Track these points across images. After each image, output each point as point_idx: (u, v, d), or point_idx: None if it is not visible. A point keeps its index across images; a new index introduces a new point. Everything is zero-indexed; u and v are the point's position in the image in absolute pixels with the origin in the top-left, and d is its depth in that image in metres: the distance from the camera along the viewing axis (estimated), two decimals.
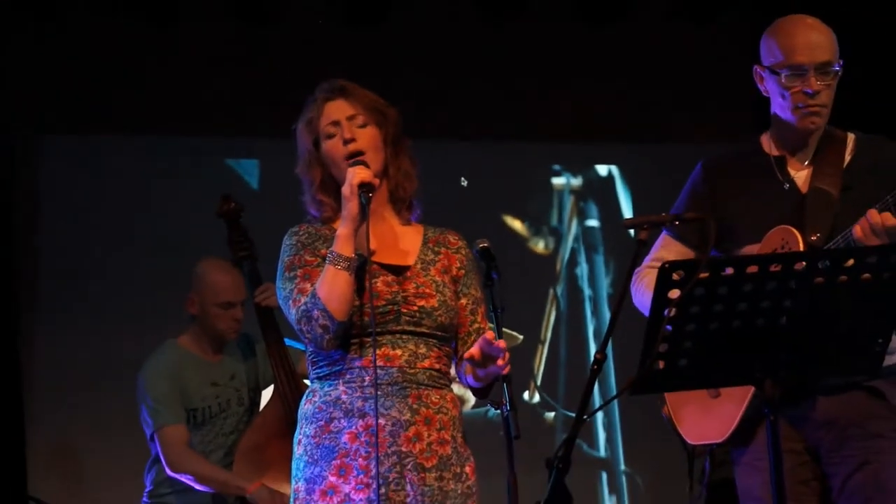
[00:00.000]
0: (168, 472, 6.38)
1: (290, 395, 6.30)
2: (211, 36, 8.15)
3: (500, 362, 4.43)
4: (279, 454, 6.17)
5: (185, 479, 6.35)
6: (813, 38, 4.78)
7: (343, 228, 4.53)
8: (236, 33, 8.12)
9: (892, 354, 4.59)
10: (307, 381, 6.26)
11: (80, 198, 8.25)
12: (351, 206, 4.53)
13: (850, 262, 4.00)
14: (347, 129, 4.66)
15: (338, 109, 4.72)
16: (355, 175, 4.54)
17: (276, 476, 6.25)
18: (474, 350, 4.48)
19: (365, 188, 4.55)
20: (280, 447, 6.18)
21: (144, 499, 6.55)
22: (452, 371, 4.79)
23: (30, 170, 8.23)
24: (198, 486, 6.35)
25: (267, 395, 6.59)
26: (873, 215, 4.47)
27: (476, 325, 4.80)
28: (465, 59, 8.31)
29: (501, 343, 4.44)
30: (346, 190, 4.54)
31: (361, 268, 4.57)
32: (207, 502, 6.44)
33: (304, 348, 6.27)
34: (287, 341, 6.45)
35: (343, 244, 4.51)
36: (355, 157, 4.63)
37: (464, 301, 4.79)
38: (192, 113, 8.15)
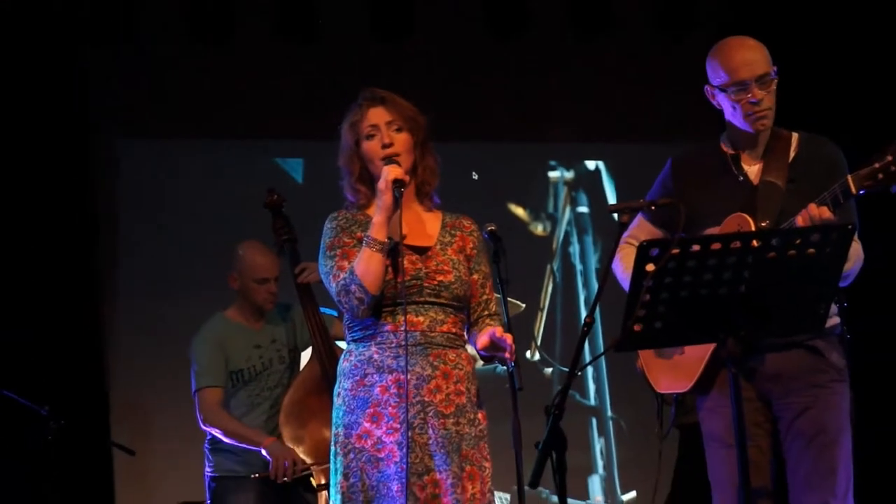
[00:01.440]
0: (202, 425, 6.42)
1: (325, 355, 6.31)
2: (262, 54, 8.16)
3: (507, 355, 4.57)
4: (318, 406, 6.18)
5: (215, 431, 6.39)
6: (749, 56, 4.79)
7: (378, 217, 4.60)
8: (283, 51, 8.12)
9: (831, 317, 4.65)
10: (340, 343, 6.35)
11: (153, 190, 8.28)
12: (386, 199, 4.60)
13: (798, 240, 4.05)
14: (386, 133, 4.72)
15: (378, 115, 4.77)
16: (390, 172, 4.62)
17: (316, 425, 6.24)
18: (484, 340, 4.58)
19: (398, 184, 4.61)
20: (319, 400, 6.21)
21: (206, 445, 6.53)
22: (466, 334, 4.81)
23: (112, 167, 8.25)
24: (225, 440, 6.37)
25: (305, 356, 6.58)
26: (812, 208, 4.49)
27: (485, 297, 4.86)
28: (476, 71, 8.32)
29: (508, 338, 4.54)
30: (381, 184, 4.61)
31: (393, 249, 4.63)
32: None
33: (336, 314, 6.34)
34: (322, 309, 6.47)
35: (378, 230, 4.58)
36: (390, 157, 4.69)
37: (475, 276, 4.83)
38: (247, 119, 8.15)
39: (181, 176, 8.26)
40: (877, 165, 4.44)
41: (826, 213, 4.47)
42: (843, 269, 4.28)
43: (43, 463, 6.55)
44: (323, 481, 6.20)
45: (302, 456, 6.19)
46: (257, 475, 6.36)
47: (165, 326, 7.80)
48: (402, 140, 4.73)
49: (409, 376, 4.61)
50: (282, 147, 8.22)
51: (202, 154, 8.26)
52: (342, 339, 6.42)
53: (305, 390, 6.28)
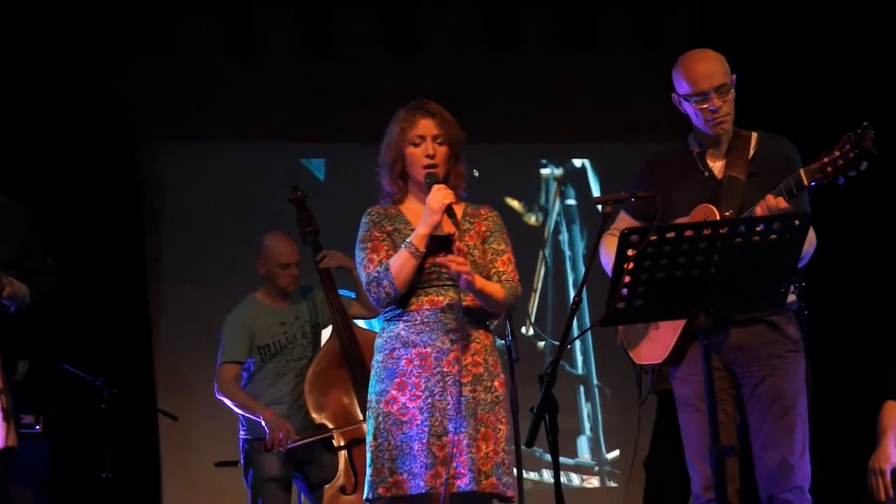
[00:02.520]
0: (216, 394, 6.44)
1: (343, 332, 6.36)
2: (288, 67, 8.17)
3: (451, 269, 4.60)
4: (337, 376, 6.27)
5: (226, 401, 6.41)
6: (708, 68, 4.81)
7: (423, 230, 4.66)
8: (306, 65, 8.13)
9: (789, 295, 4.66)
10: (356, 322, 6.36)
11: (193, 187, 8.31)
12: (434, 218, 4.66)
13: (761, 227, 4.08)
14: (431, 145, 4.78)
15: (427, 127, 4.81)
16: (446, 197, 4.67)
17: (336, 393, 6.29)
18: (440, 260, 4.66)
19: (450, 212, 4.67)
20: (338, 371, 6.29)
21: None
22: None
23: (158, 168, 8.27)
24: (235, 410, 6.40)
25: (326, 334, 6.61)
26: (770, 199, 4.51)
27: (495, 269, 4.85)
28: (475, 81, 8.31)
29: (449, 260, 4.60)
30: (435, 205, 4.67)
31: (440, 241, 4.71)
32: (283, 413, 6.38)
33: (353, 296, 6.35)
34: (340, 291, 6.51)
35: (419, 240, 4.65)
36: (430, 168, 4.75)
37: (489, 254, 4.84)
38: (275, 124, 8.18)
39: (217, 175, 8.27)
40: (826, 160, 4.45)
41: (782, 202, 4.49)
42: (801, 252, 4.32)
43: (98, 427, 6.57)
44: (342, 443, 6.24)
45: (322, 421, 6.22)
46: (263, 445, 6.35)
47: (204, 307, 7.80)
48: (442, 153, 4.79)
49: (430, 350, 4.68)
50: (305, 149, 8.23)
51: (236, 155, 8.27)
52: (359, 318, 6.50)
53: (327, 362, 6.31)
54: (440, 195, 4.66)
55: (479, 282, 4.66)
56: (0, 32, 7.25)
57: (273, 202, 7.65)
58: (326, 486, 6.22)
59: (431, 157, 4.75)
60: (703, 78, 4.79)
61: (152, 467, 7.80)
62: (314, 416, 6.25)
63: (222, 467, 7.01)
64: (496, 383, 4.75)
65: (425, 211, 4.67)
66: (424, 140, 4.77)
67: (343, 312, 6.43)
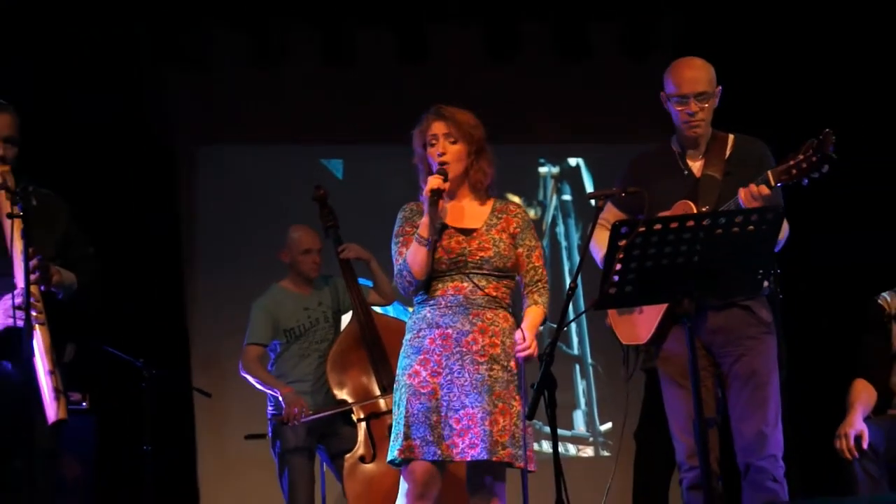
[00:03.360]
0: (241, 372, 6.47)
1: (363, 317, 6.39)
2: (309, 76, 8.18)
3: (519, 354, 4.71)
4: (357, 357, 6.32)
5: (249, 378, 6.43)
6: (694, 75, 4.82)
7: (424, 218, 4.68)
8: (326, 73, 8.14)
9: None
10: (375, 308, 6.37)
11: (225, 185, 8.33)
12: (426, 206, 4.69)
13: (739, 218, 4.09)
14: (442, 144, 4.81)
15: (439, 128, 4.84)
16: (430, 183, 4.69)
17: (356, 372, 6.32)
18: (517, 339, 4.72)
19: (434, 193, 4.67)
20: (357, 352, 6.33)
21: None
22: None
23: (193, 169, 8.29)
24: (257, 386, 6.43)
25: (346, 319, 6.63)
26: (752, 187, 4.52)
27: (531, 265, 4.88)
28: (479, 87, 8.26)
29: (520, 345, 4.69)
30: (424, 194, 4.71)
31: (435, 243, 4.72)
32: (310, 390, 6.44)
33: (371, 285, 6.35)
34: (360, 280, 6.53)
35: (423, 229, 4.67)
36: (441, 166, 4.75)
37: (521, 250, 4.87)
38: (297, 128, 8.19)
39: (245, 174, 8.28)
40: (791, 163, 4.47)
41: (764, 189, 4.51)
42: (776, 242, 4.36)
43: (138, 404, 6.58)
44: (361, 416, 6.26)
45: (343, 397, 6.23)
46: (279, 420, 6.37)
47: (234, 295, 7.80)
48: (453, 150, 4.81)
49: (451, 331, 4.72)
50: (325, 150, 8.24)
51: (262, 156, 8.28)
52: (375, 304, 6.51)
53: (347, 344, 6.32)
54: (428, 185, 4.68)
55: (531, 334, 4.75)
56: (50, 46, 7.24)
57: (296, 199, 7.67)
58: (347, 455, 6.23)
59: (441, 154, 4.78)
60: (687, 82, 4.81)
61: (188, 440, 7.82)
62: (335, 392, 6.27)
63: (251, 440, 7.03)
64: (512, 363, 4.75)
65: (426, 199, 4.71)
66: (437, 139, 4.80)
67: (362, 299, 6.45)
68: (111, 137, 7.54)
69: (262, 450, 6.81)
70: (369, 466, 6.20)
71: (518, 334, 4.72)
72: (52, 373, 4.27)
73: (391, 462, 4.75)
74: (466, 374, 4.67)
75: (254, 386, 6.44)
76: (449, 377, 4.66)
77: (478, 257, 4.75)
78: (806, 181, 4.46)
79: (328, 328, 6.57)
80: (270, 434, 6.52)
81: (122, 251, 7.11)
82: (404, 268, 4.70)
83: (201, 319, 8.10)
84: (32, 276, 4.29)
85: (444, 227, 4.73)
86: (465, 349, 4.68)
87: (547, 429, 4.88)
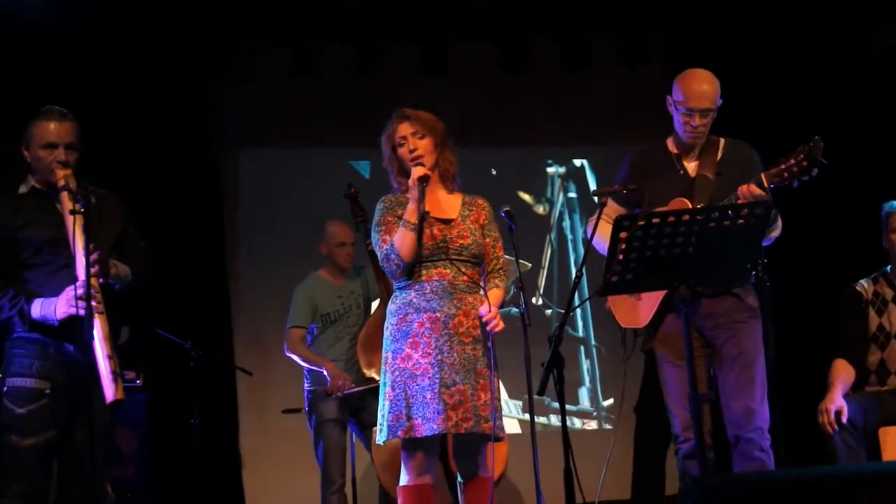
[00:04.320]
0: (285, 352, 6.50)
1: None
2: (341, 86, 8.16)
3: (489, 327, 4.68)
4: (382, 339, 6.26)
5: (294, 357, 6.46)
6: (703, 91, 4.80)
7: (410, 205, 4.63)
8: (355, 84, 8.12)
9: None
10: None
11: (265, 185, 8.29)
12: (414, 193, 4.64)
13: (730, 213, 4.08)
14: (411, 141, 4.77)
15: (405, 128, 4.80)
16: (415, 172, 4.67)
17: (382, 352, 6.30)
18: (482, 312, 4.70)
19: (422, 180, 4.65)
20: (383, 335, 6.29)
21: (306, 368, 6.56)
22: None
23: (237, 170, 8.27)
24: (302, 364, 6.44)
25: (374, 304, 6.62)
26: (746, 187, 4.52)
27: (495, 254, 4.88)
28: (493, 97, 8.30)
29: (486, 316, 4.67)
30: (410, 182, 4.66)
31: (421, 226, 4.67)
32: (344, 368, 6.43)
33: None
34: None
35: (410, 214, 4.62)
36: (417, 160, 4.71)
37: (488, 240, 4.85)
38: (330, 133, 8.17)
39: (283, 174, 8.27)
40: (783, 167, 4.47)
41: (756, 190, 4.50)
42: (764, 235, 4.39)
43: (186, 382, 6.58)
44: None
45: (372, 374, 6.21)
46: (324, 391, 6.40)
47: (273, 282, 7.81)
48: (423, 145, 4.77)
49: (439, 314, 4.69)
50: (354, 153, 8.22)
51: (298, 158, 8.27)
52: None
53: (375, 328, 6.29)
54: (413, 172, 4.67)
55: (495, 308, 4.72)
56: (113, 61, 7.25)
57: (327, 195, 7.69)
58: (374, 427, 6.23)
59: (413, 150, 4.75)
60: (695, 97, 4.80)
61: (231, 414, 7.81)
62: (364, 371, 6.26)
63: (288, 414, 7.03)
64: (489, 343, 4.73)
65: (410, 188, 4.69)
66: (406, 139, 4.77)
67: (389, 287, 6.42)
68: (166, 141, 7.53)
69: (298, 423, 6.81)
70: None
71: (483, 308, 4.70)
72: (110, 357, 4.26)
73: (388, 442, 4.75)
74: (455, 354, 4.65)
75: (298, 364, 6.46)
76: (439, 357, 4.63)
77: (458, 244, 4.73)
78: (796, 183, 4.46)
79: (359, 314, 6.59)
80: (307, 408, 6.53)
81: (173, 245, 7.11)
82: (391, 251, 4.65)
83: (243, 305, 8.07)
84: (92, 270, 4.29)
85: (424, 216, 4.68)
86: (452, 331, 4.66)
87: (555, 404, 4.87)
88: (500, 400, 4.81)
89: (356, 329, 6.49)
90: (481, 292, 4.78)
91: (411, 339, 4.67)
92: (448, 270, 4.71)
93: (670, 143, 4.98)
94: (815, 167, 4.39)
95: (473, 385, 4.65)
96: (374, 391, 6.23)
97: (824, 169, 4.40)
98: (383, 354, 4.78)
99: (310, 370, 6.48)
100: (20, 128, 4.62)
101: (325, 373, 6.31)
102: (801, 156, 4.41)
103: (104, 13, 7.16)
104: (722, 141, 4.95)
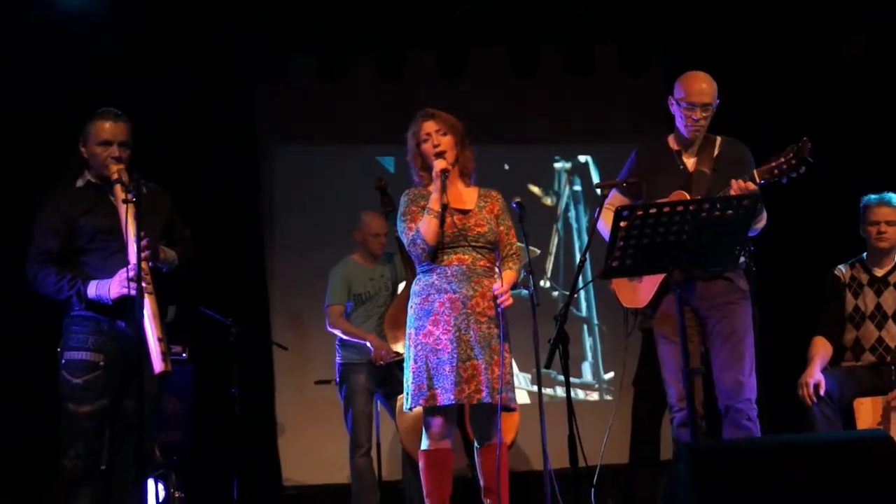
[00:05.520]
0: (328, 328, 6.52)
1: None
2: (367, 89, 8.16)
3: (499, 300, 4.69)
4: (407, 318, 6.28)
5: (336, 332, 6.47)
6: (703, 88, 4.80)
7: (434, 194, 4.66)
8: (380, 87, 8.12)
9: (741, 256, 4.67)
10: None
11: (300, 178, 8.27)
12: (437, 183, 4.67)
13: (720, 205, 4.08)
14: (435, 138, 4.77)
15: (430, 126, 4.81)
16: (438, 165, 4.69)
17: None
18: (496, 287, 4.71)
19: (444, 173, 4.69)
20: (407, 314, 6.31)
21: (336, 342, 6.58)
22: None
23: (274, 164, 8.26)
24: (343, 337, 6.45)
25: (401, 286, 6.62)
26: (740, 182, 4.53)
27: (509, 241, 4.88)
28: (505, 99, 8.29)
29: (498, 291, 4.69)
30: (434, 173, 4.68)
31: (443, 213, 4.69)
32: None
33: None
34: None
35: (434, 203, 4.65)
36: (440, 154, 4.72)
37: (502, 228, 4.86)
38: (359, 131, 8.17)
39: (316, 169, 8.25)
40: (773, 164, 4.49)
41: (751, 185, 4.51)
42: (751, 224, 4.37)
43: (228, 355, 6.59)
44: None
45: (398, 349, 6.22)
46: (368, 361, 6.41)
47: (306, 266, 7.83)
48: (446, 141, 4.78)
49: (458, 296, 4.70)
50: (380, 149, 8.21)
51: (332, 155, 8.26)
52: None
53: (400, 307, 6.26)
54: (435, 165, 4.70)
55: (507, 286, 4.74)
56: (167, 64, 7.26)
57: (354, 188, 7.73)
58: (399, 396, 6.23)
59: (437, 145, 4.75)
60: (697, 93, 4.79)
61: (268, 385, 7.82)
62: (392, 345, 6.28)
63: (321, 384, 7.04)
64: (502, 322, 4.74)
65: (433, 180, 4.71)
66: (430, 136, 4.77)
67: (414, 271, 6.43)
68: (214, 137, 7.53)
69: (329, 392, 6.82)
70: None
71: (497, 284, 4.72)
72: (158, 333, 4.28)
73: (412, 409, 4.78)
74: (471, 332, 4.67)
75: (340, 338, 6.46)
76: (457, 333, 4.65)
77: (475, 232, 4.75)
78: (785, 180, 4.47)
79: (388, 296, 6.60)
80: (338, 379, 6.55)
81: (218, 232, 7.12)
82: (417, 237, 4.67)
83: (280, 286, 8.07)
84: (143, 254, 4.32)
85: (444, 206, 4.70)
86: (469, 311, 4.68)
87: (561, 377, 4.87)
88: (512, 374, 4.83)
89: (384, 309, 6.52)
90: (496, 274, 4.79)
91: (433, 318, 4.69)
92: (467, 256, 4.73)
93: (671, 141, 4.96)
94: (803, 165, 4.40)
95: (488, 360, 4.66)
96: (399, 363, 6.27)
97: (811, 167, 4.40)
98: (407, 330, 4.81)
99: (342, 344, 6.50)
100: (78, 125, 4.67)
101: (368, 344, 6.34)
102: (791, 154, 4.42)
103: (154, 16, 7.16)
104: (718, 139, 4.93)
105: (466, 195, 4.86)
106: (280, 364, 7.83)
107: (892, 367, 5.62)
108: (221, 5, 7.30)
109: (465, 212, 4.79)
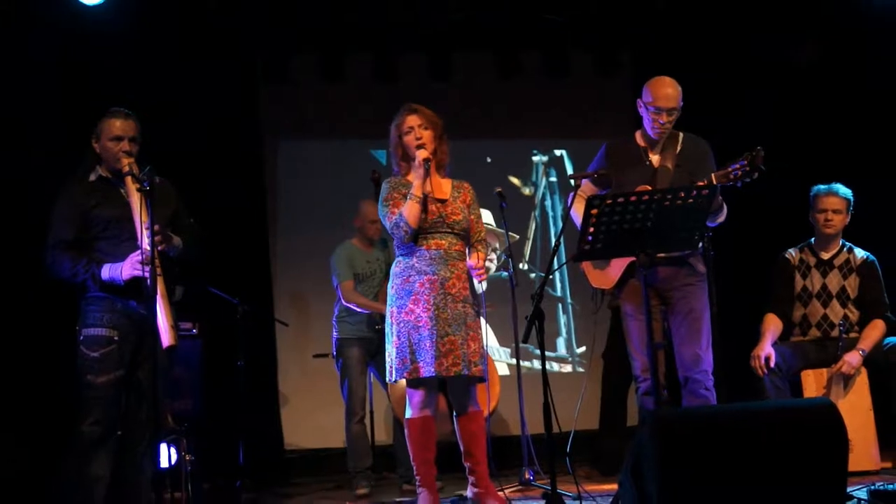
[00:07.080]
0: (343, 303, 6.43)
1: None
2: (362, 88, 8.12)
3: (475, 274, 4.67)
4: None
5: (351, 305, 6.40)
6: (669, 93, 4.78)
7: (417, 181, 4.63)
8: (376, 86, 8.07)
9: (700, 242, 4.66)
10: None
11: (303, 170, 8.19)
12: (421, 171, 4.62)
13: (682, 194, 4.04)
14: (417, 131, 4.74)
15: (412, 120, 4.77)
16: (421, 154, 4.65)
17: None
18: (468, 263, 4.69)
19: (427, 161, 4.65)
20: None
21: (333, 319, 6.55)
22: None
23: (278, 156, 8.20)
24: (359, 310, 6.38)
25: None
26: (713, 176, 4.53)
27: (478, 228, 4.87)
28: (489, 97, 8.27)
29: (473, 264, 4.67)
30: (417, 162, 4.67)
31: (425, 200, 4.65)
32: (364, 321, 6.42)
33: None
34: None
35: (417, 189, 4.61)
36: (421, 146, 4.68)
37: (472, 217, 4.83)
38: (355, 127, 8.11)
39: (316, 161, 8.20)
40: (729, 170, 4.53)
41: (722, 180, 4.49)
42: (708, 212, 4.36)
43: (234, 331, 6.55)
44: None
45: None
46: (363, 336, 6.39)
47: (306, 249, 7.81)
48: (427, 135, 4.74)
49: (436, 277, 4.68)
50: (374, 143, 8.16)
51: (331, 149, 8.20)
52: None
53: None
54: (418, 154, 4.66)
55: (483, 262, 4.70)
56: (181, 67, 7.19)
57: (349, 178, 7.70)
58: None
59: (419, 138, 4.71)
60: (663, 98, 4.76)
61: (271, 357, 7.79)
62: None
63: (318, 358, 7.01)
64: (475, 301, 4.75)
65: (415, 168, 4.67)
66: (412, 129, 4.73)
67: None
68: (219, 132, 7.47)
69: (327, 365, 6.79)
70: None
71: (472, 259, 4.70)
72: (166, 310, 4.31)
73: (396, 382, 4.79)
74: (449, 310, 4.65)
75: (356, 311, 6.41)
76: (436, 312, 4.63)
77: (452, 220, 4.73)
78: (740, 184, 4.48)
79: (381, 277, 6.56)
80: (335, 353, 6.52)
81: (225, 219, 7.07)
82: (401, 220, 4.63)
83: (282, 267, 8.03)
84: (156, 238, 4.34)
85: (424, 195, 4.66)
86: (447, 291, 4.65)
87: (537, 351, 4.84)
88: (485, 348, 4.82)
89: (378, 289, 6.50)
90: (468, 258, 4.78)
91: (413, 297, 4.67)
92: (444, 241, 4.72)
93: (638, 137, 4.94)
94: (756, 172, 4.41)
95: (464, 336, 4.65)
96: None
97: (763, 174, 4.42)
98: (388, 309, 4.77)
99: (338, 320, 6.48)
100: (91, 123, 4.68)
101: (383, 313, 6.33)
102: (745, 162, 4.42)
103: (167, 22, 7.10)
104: (681, 135, 4.91)
105: (442, 186, 4.83)
106: (282, 339, 7.80)
107: (837, 342, 5.65)
108: (228, 10, 7.23)
109: (442, 201, 4.77)
